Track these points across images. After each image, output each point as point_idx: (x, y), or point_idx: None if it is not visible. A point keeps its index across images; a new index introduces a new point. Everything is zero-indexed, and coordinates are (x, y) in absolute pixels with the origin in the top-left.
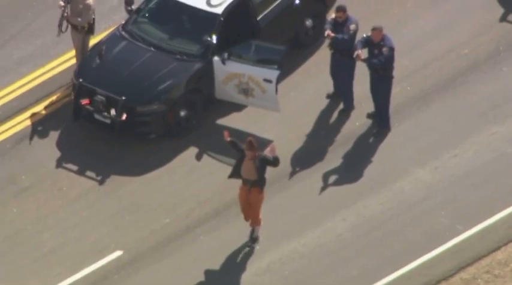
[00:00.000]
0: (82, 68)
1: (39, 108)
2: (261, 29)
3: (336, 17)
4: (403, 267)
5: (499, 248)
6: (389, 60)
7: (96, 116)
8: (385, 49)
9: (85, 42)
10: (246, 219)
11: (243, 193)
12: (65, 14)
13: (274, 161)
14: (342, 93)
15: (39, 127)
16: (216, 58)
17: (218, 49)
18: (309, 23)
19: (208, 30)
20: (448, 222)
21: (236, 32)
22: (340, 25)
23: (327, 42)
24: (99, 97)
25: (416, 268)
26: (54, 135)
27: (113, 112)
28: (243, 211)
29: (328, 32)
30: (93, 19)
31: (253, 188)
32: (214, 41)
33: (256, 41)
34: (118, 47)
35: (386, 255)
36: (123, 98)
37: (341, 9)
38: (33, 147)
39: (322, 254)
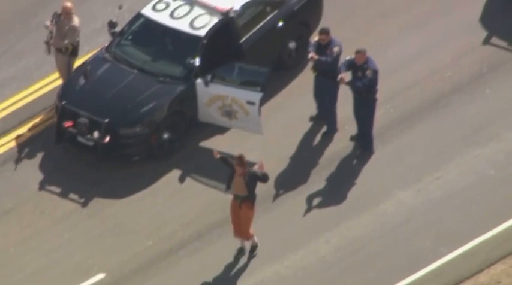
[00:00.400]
0: (65, 90)
1: (23, 130)
2: (244, 51)
3: (319, 39)
4: None
5: (481, 270)
6: (372, 82)
7: (79, 138)
8: (368, 72)
9: (69, 64)
10: (236, 234)
11: (234, 208)
12: (51, 35)
13: (263, 177)
14: (325, 116)
15: (23, 150)
16: (199, 80)
17: (201, 71)
18: (292, 45)
19: (191, 52)
20: (431, 244)
21: (219, 54)
22: (323, 47)
23: (310, 64)
24: (82, 120)
25: None
26: (37, 157)
27: (96, 134)
28: (233, 225)
29: (311, 55)
30: (78, 41)
31: (244, 204)
32: (198, 63)
33: (240, 63)
34: (101, 69)
35: (369, 277)
36: (106, 120)
37: (324, 32)
38: (17, 169)
39: (305, 276)
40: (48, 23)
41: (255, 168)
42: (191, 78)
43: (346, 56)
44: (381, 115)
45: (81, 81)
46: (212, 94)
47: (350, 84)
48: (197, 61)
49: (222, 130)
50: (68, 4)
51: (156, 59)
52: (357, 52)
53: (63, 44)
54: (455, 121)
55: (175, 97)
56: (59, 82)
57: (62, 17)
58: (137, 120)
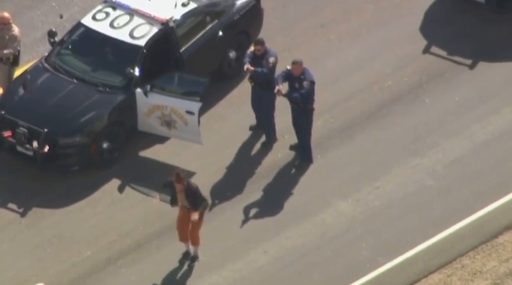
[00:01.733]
0: (4, 100)
1: None
2: (184, 60)
3: (254, 49)
4: None
5: (419, 280)
6: (310, 93)
7: (19, 148)
8: (305, 83)
9: (9, 74)
10: (181, 239)
11: (181, 213)
12: None
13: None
14: (264, 126)
15: None
16: (138, 90)
17: (141, 81)
18: (232, 54)
19: (131, 62)
20: (368, 254)
21: (159, 64)
22: (259, 58)
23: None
24: (21, 129)
25: None
26: None
27: (35, 144)
28: (178, 230)
29: (247, 66)
30: (19, 51)
31: (191, 211)
32: (137, 73)
33: (179, 73)
34: (41, 78)
35: None
36: (45, 130)
37: (259, 43)
38: None
39: None
40: None
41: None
42: (131, 88)
43: (283, 66)
44: (320, 125)
45: (21, 90)
46: (151, 104)
47: (287, 95)
48: (137, 71)
49: (161, 139)
50: (5, 14)
51: (96, 69)
52: (294, 63)
53: (3, 54)
54: (395, 131)
55: (115, 106)
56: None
57: (0, 27)
58: (76, 129)
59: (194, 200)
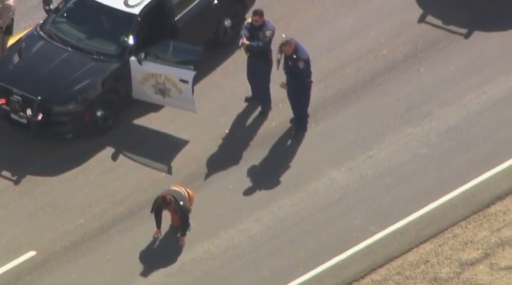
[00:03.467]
0: None
1: None
2: (179, 29)
3: (252, 20)
4: (315, 269)
5: (410, 249)
6: (306, 70)
7: (13, 116)
8: (300, 63)
9: (3, 42)
10: (175, 225)
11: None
12: None
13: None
14: (259, 96)
15: None
16: (132, 58)
17: (135, 49)
18: (227, 22)
19: (125, 30)
20: (360, 223)
21: (153, 32)
22: (256, 29)
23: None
24: (16, 97)
25: (328, 269)
26: None
27: (29, 112)
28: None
29: (242, 41)
30: (12, 20)
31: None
32: (131, 41)
33: (174, 41)
34: (35, 46)
35: (299, 256)
36: (39, 98)
37: (257, 13)
38: None
39: (235, 255)
40: None
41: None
42: (125, 56)
43: (279, 35)
44: (314, 94)
45: (15, 58)
46: (146, 72)
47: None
48: (131, 39)
49: (156, 107)
50: None
51: (91, 37)
52: (283, 43)
53: None
54: (389, 100)
55: (109, 75)
56: None
57: None
58: (71, 97)
59: (186, 222)
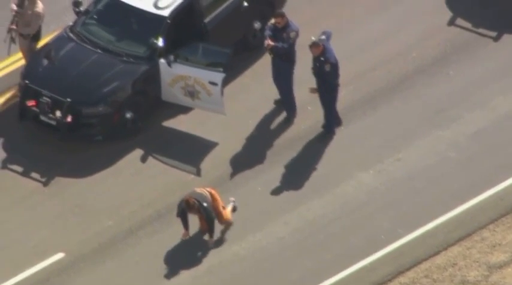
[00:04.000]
0: (29, 69)
1: None
2: (208, 31)
3: (275, 22)
4: (343, 271)
5: (438, 252)
6: (332, 73)
7: (42, 118)
8: (327, 66)
9: (31, 48)
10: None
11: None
12: (15, 20)
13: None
14: (284, 100)
15: None
16: (162, 60)
17: (165, 51)
18: (257, 25)
19: (155, 32)
20: (389, 226)
21: (183, 34)
22: (280, 30)
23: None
24: (45, 99)
25: (356, 272)
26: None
27: (58, 114)
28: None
29: (267, 42)
30: (40, 26)
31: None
32: (161, 44)
33: (203, 44)
34: (65, 48)
35: (327, 258)
36: (69, 100)
37: (279, 15)
38: None
39: (263, 257)
40: (14, 6)
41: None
42: (154, 58)
43: (307, 38)
44: (343, 97)
45: (45, 60)
46: (175, 74)
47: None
48: (161, 41)
49: (185, 110)
50: None
51: (120, 39)
52: (311, 45)
53: (26, 31)
54: (418, 103)
55: (139, 77)
56: (23, 61)
57: (26, 2)
58: (100, 99)
59: (211, 223)
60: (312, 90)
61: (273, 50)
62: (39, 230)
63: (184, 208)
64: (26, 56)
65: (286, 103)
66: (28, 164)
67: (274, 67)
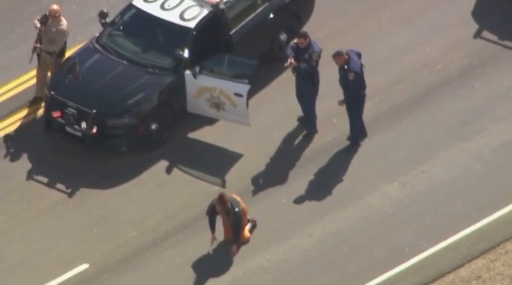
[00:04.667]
0: (54, 81)
1: (12, 119)
2: (234, 43)
3: (297, 42)
4: (366, 283)
5: (462, 265)
6: (356, 82)
7: (68, 129)
8: (350, 75)
9: (57, 64)
10: (228, 240)
11: (226, 222)
12: (39, 38)
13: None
14: (304, 117)
15: (11, 139)
16: (187, 72)
17: (190, 63)
18: (283, 37)
19: (180, 44)
20: (412, 238)
21: (209, 46)
22: (302, 51)
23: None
24: (70, 110)
25: (380, 284)
26: (25, 148)
27: (83, 125)
28: (225, 235)
29: (290, 61)
30: (65, 42)
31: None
32: (187, 55)
33: (228, 55)
34: (91, 59)
35: (350, 270)
36: (94, 111)
37: (302, 36)
38: (4, 159)
39: (287, 269)
40: (37, 23)
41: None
42: (180, 70)
43: (332, 49)
44: (369, 108)
45: (71, 71)
46: (200, 86)
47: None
48: (186, 52)
49: (210, 121)
50: (55, 7)
51: (146, 50)
52: (335, 55)
53: (51, 48)
54: (443, 115)
55: (164, 88)
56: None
57: (50, 20)
58: (125, 110)
59: (238, 229)
60: (340, 103)
61: (296, 69)
62: (63, 241)
63: (215, 204)
64: (51, 72)
65: (307, 120)
66: (53, 175)
67: (298, 86)
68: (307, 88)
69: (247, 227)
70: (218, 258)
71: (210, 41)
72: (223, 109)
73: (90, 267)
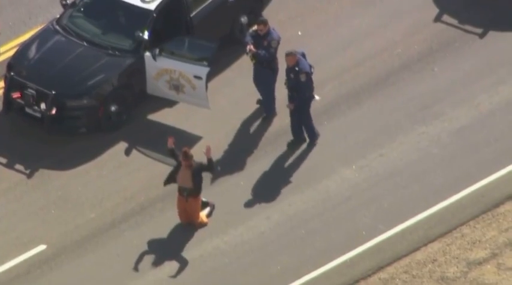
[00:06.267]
0: (14, 61)
1: None
2: (194, 25)
3: (257, 29)
4: (323, 266)
5: (418, 248)
6: (307, 84)
7: (27, 110)
8: (302, 76)
9: None
10: (182, 220)
11: (181, 202)
12: None
13: (210, 167)
14: (263, 100)
15: None
16: (147, 54)
17: (150, 45)
18: (244, 19)
19: (140, 26)
20: (370, 221)
21: (169, 28)
22: (261, 37)
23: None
24: (30, 91)
25: (336, 267)
26: None
27: (43, 106)
28: (180, 218)
29: (249, 47)
30: None
31: (190, 198)
32: (146, 37)
33: (188, 38)
34: (51, 41)
35: (308, 253)
36: (53, 92)
37: (262, 22)
38: None
39: (244, 251)
40: None
41: (204, 152)
42: (140, 52)
43: (294, 32)
44: (328, 91)
45: (31, 52)
46: (160, 68)
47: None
48: (146, 34)
49: (170, 103)
50: None
51: (106, 32)
52: (287, 54)
53: None
54: (403, 99)
55: (124, 70)
56: (11, 53)
57: None
58: (84, 92)
59: (198, 181)
60: (289, 106)
61: (254, 56)
62: (21, 222)
63: (174, 152)
64: None
65: (265, 104)
66: (12, 156)
67: (255, 72)
68: (266, 76)
69: (205, 211)
70: (176, 240)
71: (171, 23)
72: (183, 92)
73: (48, 248)
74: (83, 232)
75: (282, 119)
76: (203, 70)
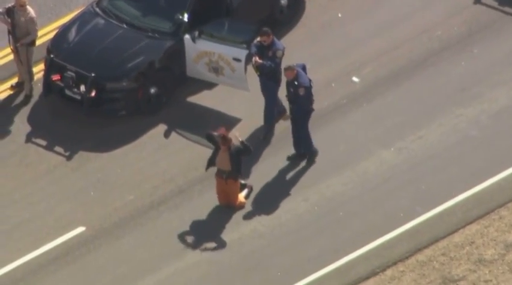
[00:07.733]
0: (54, 44)
1: (11, 82)
2: (234, 7)
3: (260, 40)
4: (361, 248)
5: (456, 230)
6: (306, 98)
7: (67, 92)
8: (301, 90)
9: (28, 54)
10: (221, 202)
11: (220, 184)
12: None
13: (246, 150)
14: (264, 113)
15: (11, 102)
16: (187, 36)
17: (190, 27)
18: (284, 1)
19: (180, 8)
20: (408, 203)
21: (209, 10)
22: (265, 48)
23: (302, 22)
24: (70, 73)
25: (374, 249)
26: (25, 110)
27: (82, 88)
28: (219, 200)
29: (255, 59)
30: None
31: (229, 180)
32: (186, 19)
33: (228, 20)
34: (91, 23)
35: (345, 235)
36: (93, 74)
37: (265, 33)
38: (4, 122)
39: (282, 233)
40: (5, 17)
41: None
42: (179, 34)
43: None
44: (368, 73)
45: (71, 35)
46: (199, 50)
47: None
48: (186, 17)
49: (209, 85)
50: None
51: (146, 14)
52: (286, 69)
53: (29, 39)
54: (441, 80)
55: (163, 52)
56: (50, 35)
57: (15, 9)
58: (124, 74)
59: (236, 163)
60: (286, 118)
61: (259, 68)
62: (61, 204)
63: (213, 136)
64: (23, 65)
65: (266, 118)
66: (52, 138)
67: (261, 84)
68: (270, 88)
69: (243, 193)
70: (214, 222)
71: (210, 6)
72: (222, 74)
73: (87, 230)
74: (121, 214)
75: (321, 101)
76: (242, 53)
